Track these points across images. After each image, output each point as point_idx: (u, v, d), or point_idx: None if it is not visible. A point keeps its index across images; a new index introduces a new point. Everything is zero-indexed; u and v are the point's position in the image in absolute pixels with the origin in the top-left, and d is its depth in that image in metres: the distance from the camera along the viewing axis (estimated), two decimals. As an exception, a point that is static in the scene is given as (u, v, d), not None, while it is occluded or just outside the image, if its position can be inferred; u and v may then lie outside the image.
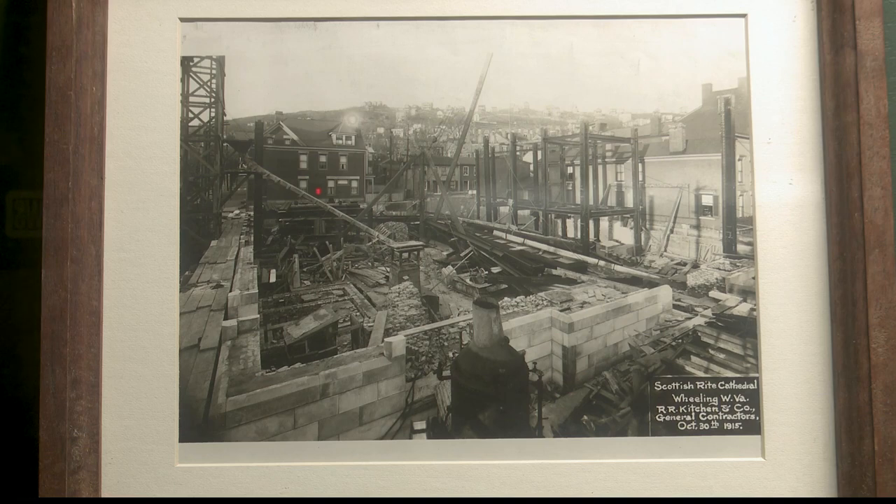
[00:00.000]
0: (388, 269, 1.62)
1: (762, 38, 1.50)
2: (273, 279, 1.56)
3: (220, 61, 1.53)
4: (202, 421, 1.44)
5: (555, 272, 1.66)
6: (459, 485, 1.43)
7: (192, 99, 1.53)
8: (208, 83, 1.55)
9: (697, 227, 1.57)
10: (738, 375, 1.46)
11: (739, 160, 1.53)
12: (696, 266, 1.55)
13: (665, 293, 1.55)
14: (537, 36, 1.53)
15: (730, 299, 1.51)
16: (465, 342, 1.52)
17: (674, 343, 1.50)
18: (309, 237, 1.58)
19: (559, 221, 1.78)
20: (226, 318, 1.49)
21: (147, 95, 1.49)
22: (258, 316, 1.51)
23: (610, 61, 1.52)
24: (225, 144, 1.55)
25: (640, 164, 1.67)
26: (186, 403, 1.44)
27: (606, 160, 1.72)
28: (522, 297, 1.58)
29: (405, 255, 1.66)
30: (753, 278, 1.47)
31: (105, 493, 1.41)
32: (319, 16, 1.52)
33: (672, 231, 1.61)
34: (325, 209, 1.66)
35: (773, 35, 1.49)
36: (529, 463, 1.44)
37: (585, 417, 1.48)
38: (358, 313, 1.58)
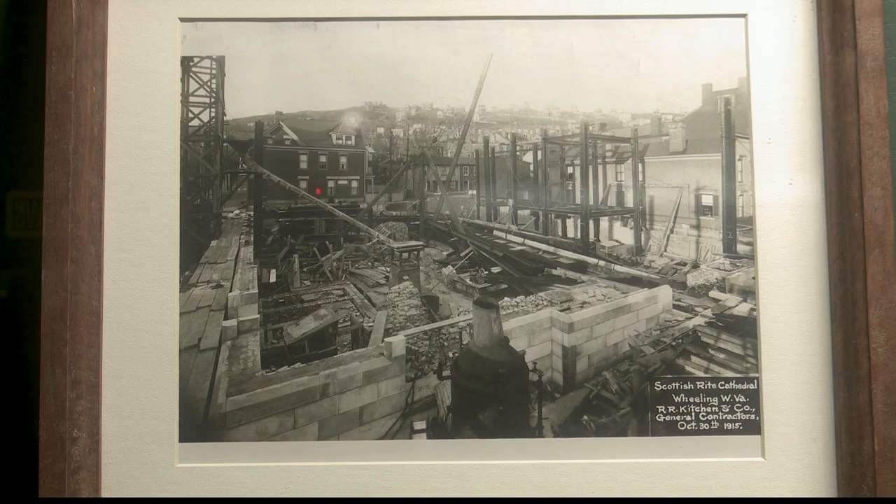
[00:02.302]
0: (388, 269, 1.62)
1: (762, 38, 1.50)
2: (273, 279, 1.56)
3: (220, 61, 1.53)
4: (202, 421, 1.44)
5: (555, 272, 1.66)
6: (459, 485, 1.43)
7: (192, 99, 1.53)
8: (208, 83, 1.55)
9: (697, 227, 1.57)
10: (738, 375, 1.46)
11: (739, 160, 1.53)
12: (696, 266, 1.55)
13: (665, 293, 1.55)
14: (537, 36, 1.53)
15: (730, 299, 1.51)
16: (465, 342, 1.52)
17: (674, 343, 1.50)
18: (309, 237, 1.58)
19: (559, 221, 1.78)
20: (226, 318, 1.49)
21: (147, 95, 1.49)
22: (258, 316, 1.51)
23: (610, 61, 1.52)
24: (225, 144, 1.55)
25: (640, 164, 1.67)
26: (186, 403, 1.44)
27: (606, 160, 1.72)
28: (522, 297, 1.58)
29: (405, 255, 1.66)
30: (753, 278, 1.47)
31: (105, 493, 1.41)
32: (319, 16, 1.52)
33: (672, 231, 1.61)
34: (325, 209, 1.66)
35: (773, 35, 1.49)
36: (529, 463, 1.44)
37: (585, 417, 1.48)
38: (358, 313, 1.58)
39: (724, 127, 1.54)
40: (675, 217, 1.60)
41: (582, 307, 1.58)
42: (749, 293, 1.47)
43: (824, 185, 1.46)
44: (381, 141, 1.63)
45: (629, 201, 1.65)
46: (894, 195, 1.39)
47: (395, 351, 1.50)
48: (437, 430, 1.47)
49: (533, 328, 1.58)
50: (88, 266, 1.41)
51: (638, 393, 1.48)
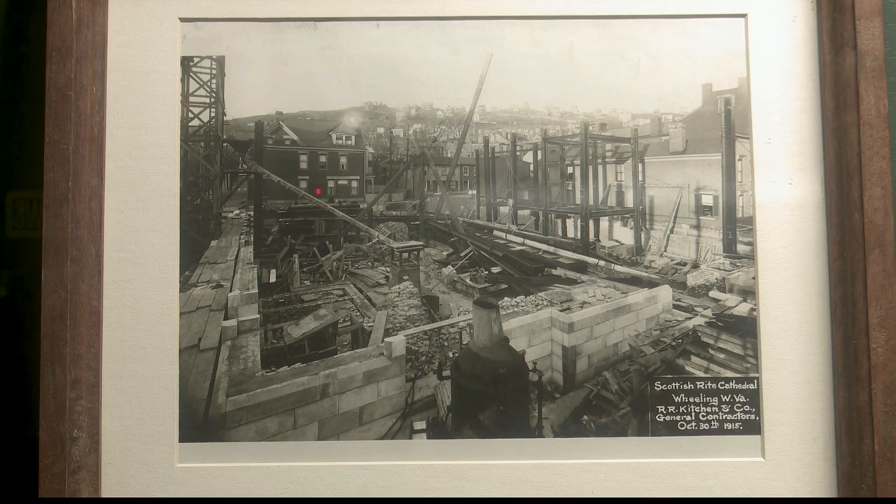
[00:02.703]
0: (388, 269, 1.62)
1: (762, 38, 1.50)
2: (273, 279, 1.56)
3: (220, 61, 1.53)
4: (202, 421, 1.44)
5: (555, 272, 1.66)
6: (459, 485, 1.43)
7: (192, 99, 1.53)
8: (208, 83, 1.55)
9: (697, 227, 1.57)
10: (738, 375, 1.46)
11: (739, 160, 1.53)
12: (696, 266, 1.55)
13: (665, 293, 1.55)
14: (537, 36, 1.52)
15: (730, 299, 1.51)
16: (465, 342, 1.52)
17: (674, 343, 1.50)
18: (309, 237, 1.58)
19: (559, 221, 1.78)
20: (226, 318, 1.49)
21: (147, 95, 1.49)
22: (258, 316, 1.51)
23: (610, 61, 1.52)
24: (225, 144, 1.55)
25: (640, 164, 1.67)
26: (186, 403, 1.44)
27: (606, 160, 1.72)
28: (522, 297, 1.58)
29: (405, 255, 1.66)
30: (753, 278, 1.47)
31: (105, 493, 1.41)
32: (319, 16, 1.52)
33: (672, 231, 1.61)
34: (325, 209, 1.66)
35: (773, 35, 1.49)
36: (529, 463, 1.44)
37: (585, 417, 1.48)
38: (358, 313, 1.58)
39: (724, 127, 1.54)
40: (675, 217, 1.60)
41: (582, 307, 1.58)
42: (749, 293, 1.47)
43: (824, 185, 1.46)
44: (381, 141, 1.63)
45: (629, 201, 1.65)
46: (894, 195, 1.39)
47: (395, 351, 1.50)
48: (437, 430, 1.47)
49: (533, 328, 1.58)
50: (88, 266, 1.41)
51: (638, 393, 1.48)
